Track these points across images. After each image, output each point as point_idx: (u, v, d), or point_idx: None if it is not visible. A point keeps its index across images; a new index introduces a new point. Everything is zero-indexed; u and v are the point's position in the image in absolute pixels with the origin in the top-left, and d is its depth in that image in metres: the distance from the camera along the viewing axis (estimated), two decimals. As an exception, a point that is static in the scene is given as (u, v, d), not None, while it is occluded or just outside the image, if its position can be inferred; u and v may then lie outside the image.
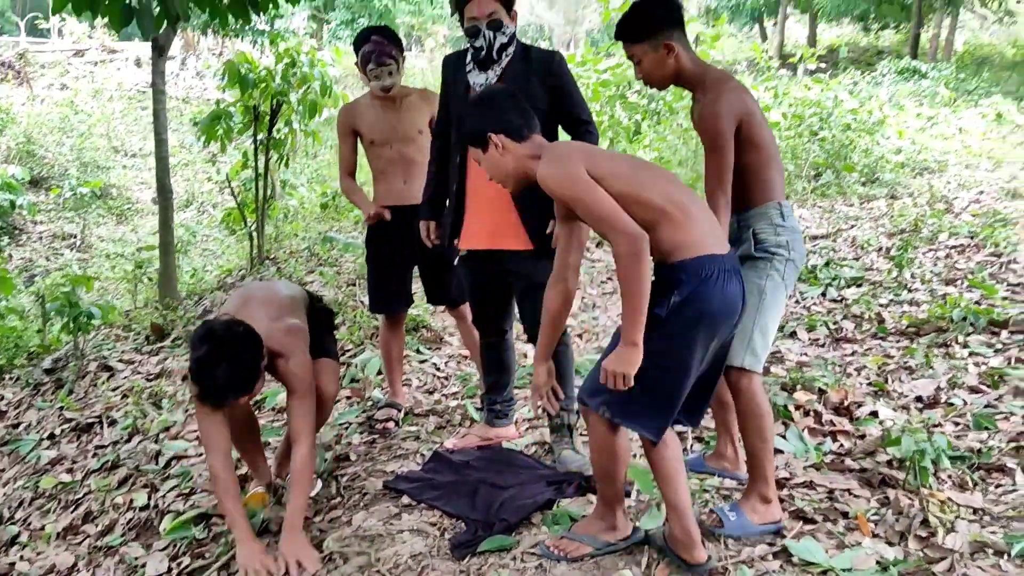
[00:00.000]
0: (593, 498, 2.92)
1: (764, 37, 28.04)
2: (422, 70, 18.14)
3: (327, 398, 3.19)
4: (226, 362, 2.60)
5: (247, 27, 14.98)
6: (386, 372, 3.98)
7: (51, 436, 4.48)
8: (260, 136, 7.01)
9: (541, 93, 3.04)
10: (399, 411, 3.87)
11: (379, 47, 3.56)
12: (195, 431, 4.02)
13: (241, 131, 7.03)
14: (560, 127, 3.17)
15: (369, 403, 4.12)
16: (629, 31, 2.66)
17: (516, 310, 3.39)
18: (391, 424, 3.78)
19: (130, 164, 15.32)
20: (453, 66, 3.23)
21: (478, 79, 3.10)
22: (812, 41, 27.30)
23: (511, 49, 3.09)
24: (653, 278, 2.28)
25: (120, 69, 19.71)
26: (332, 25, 19.99)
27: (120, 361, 5.31)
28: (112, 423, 4.43)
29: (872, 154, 9.86)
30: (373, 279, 3.83)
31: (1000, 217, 7.10)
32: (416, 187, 3.55)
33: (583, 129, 3.13)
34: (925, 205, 7.97)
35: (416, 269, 3.86)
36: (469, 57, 3.14)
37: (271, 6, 4.90)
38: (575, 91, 3.13)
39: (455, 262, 3.37)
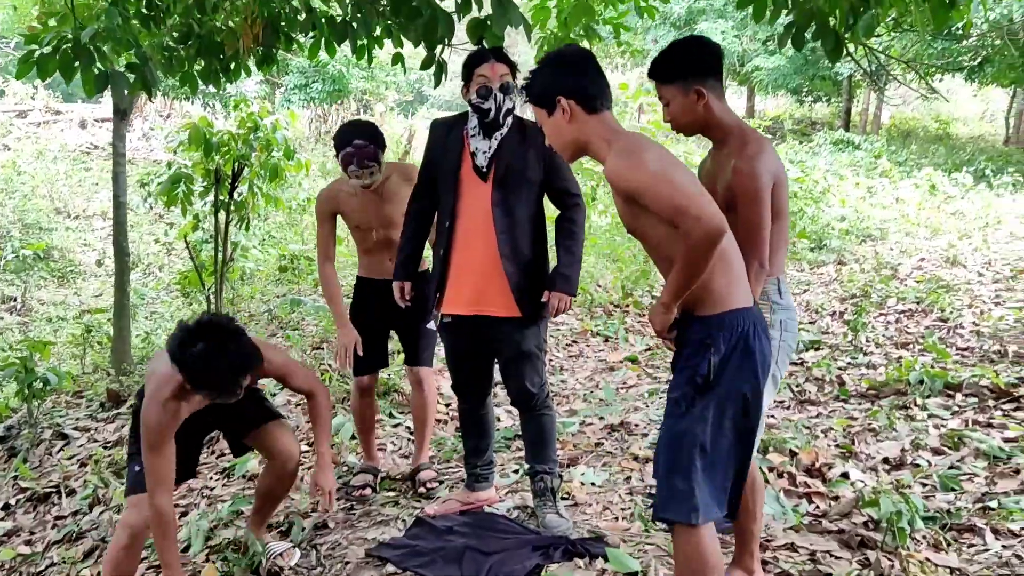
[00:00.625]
0: (581, 562, 2.93)
1: (705, 108, 29.03)
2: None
3: (293, 458, 3.20)
4: (229, 342, 2.63)
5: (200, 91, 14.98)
6: (360, 437, 3.96)
7: (5, 506, 4.32)
8: (221, 198, 6.98)
9: (536, 165, 3.10)
10: (376, 476, 3.84)
11: (360, 151, 3.49)
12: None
13: (202, 194, 6.99)
14: (549, 200, 3.23)
15: (344, 468, 4.07)
16: (661, 71, 2.55)
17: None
18: (367, 490, 3.75)
19: (73, 226, 15.03)
20: (445, 131, 3.22)
21: (481, 145, 3.10)
22: (751, 112, 28.39)
23: (512, 118, 3.13)
24: (686, 332, 2.20)
25: (64, 130, 19.45)
26: (284, 89, 20.10)
27: (75, 429, 5.16)
28: (71, 493, 4.29)
29: (819, 221, 10.23)
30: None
31: (943, 284, 7.41)
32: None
33: (571, 202, 3.19)
34: (872, 271, 8.26)
35: (395, 334, 3.89)
36: (474, 121, 3.13)
37: (242, 72, 4.95)
38: (564, 164, 3.12)
39: (432, 325, 3.40)
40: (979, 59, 17.63)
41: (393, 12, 3.57)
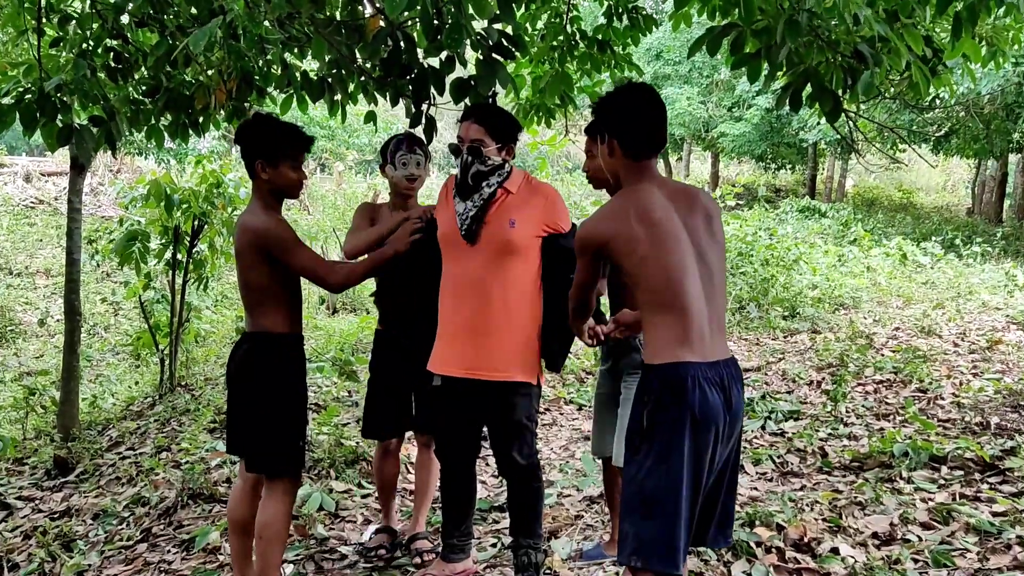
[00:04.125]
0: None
1: (668, 172, 29.63)
2: (332, 192, 18.36)
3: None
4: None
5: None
6: (380, 497, 3.98)
7: (-60, 584, 4.13)
8: (179, 257, 6.92)
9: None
10: (394, 537, 3.87)
11: (411, 137, 3.68)
12: (113, 574, 3.79)
13: (159, 253, 6.92)
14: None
15: (312, 541, 3.98)
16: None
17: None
18: (382, 551, 3.80)
19: (15, 283, 14.75)
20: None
21: (459, 207, 3.14)
22: (715, 178, 29.03)
23: (494, 180, 3.13)
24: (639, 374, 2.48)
25: (7, 184, 19.23)
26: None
27: (19, 498, 4.99)
28: (14, 567, 4.12)
29: (791, 289, 10.39)
30: (372, 405, 3.80)
31: (920, 354, 7.54)
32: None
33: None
34: (847, 340, 8.38)
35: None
36: (456, 181, 3.18)
37: (212, 126, 4.96)
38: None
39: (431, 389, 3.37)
40: (944, 131, 18.30)
41: (384, 69, 3.59)
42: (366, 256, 3.40)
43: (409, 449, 5.00)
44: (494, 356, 3.10)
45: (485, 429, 3.31)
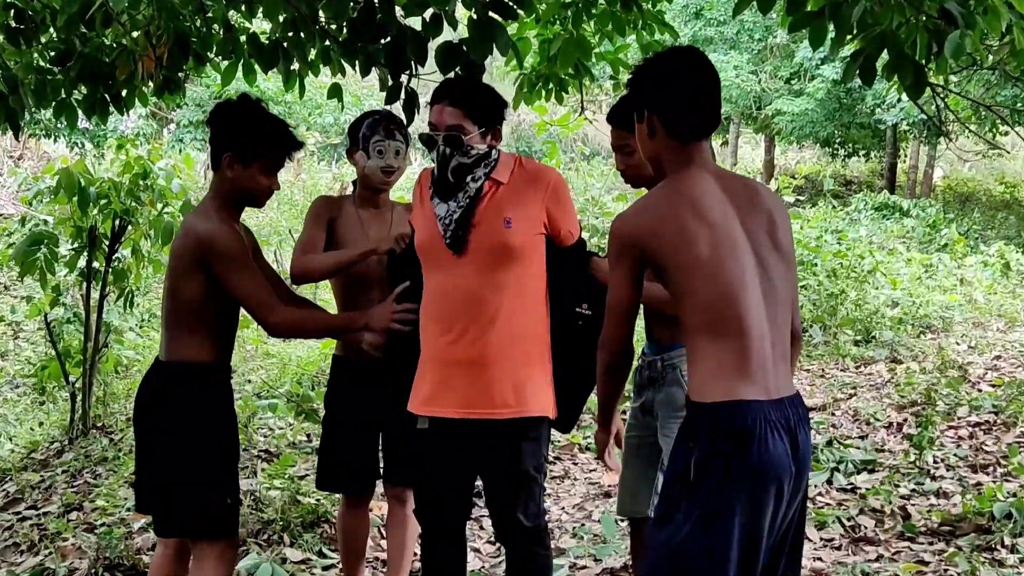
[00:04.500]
0: None
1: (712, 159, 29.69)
2: (289, 184, 18.38)
3: None
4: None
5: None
6: (345, 562, 3.99)
7: None
8: (96, 266, 6.93)
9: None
10: None
11: (389, 118, 3.66)
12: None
13: (71, 261, 6.92)
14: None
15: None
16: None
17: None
18: None
19: None
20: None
21: (439, 210, 3.13)
22: (770, 167, 29.04)
23: (480, 173, 3.13)
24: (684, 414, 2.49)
25: None
26: (176, 126, 20.19)
27: None
28: None
29: (865, 307, 10.39)
30: (330, 449, 3.82)
31: (1026, 389, 7.53)
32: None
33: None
34: (935, 371, 8.38)
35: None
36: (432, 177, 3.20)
37: (137, 101, 4.99)
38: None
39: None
40: (1058, 109, 18.32)
41: (352, 31, 3.61)
42: (321, 317, 3.56)
43: (382, 507, 5.00)
44: (497, 389, 3.10)
45: (479, 481, 3.32)
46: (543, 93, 5.67)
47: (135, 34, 4.32)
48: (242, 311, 3.28)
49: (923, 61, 3.44)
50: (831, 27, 3.43)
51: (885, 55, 3.46)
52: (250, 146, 3.13)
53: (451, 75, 3.57)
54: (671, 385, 3.32)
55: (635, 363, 3.40)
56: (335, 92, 4.47)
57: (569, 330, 3.25)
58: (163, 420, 3.14)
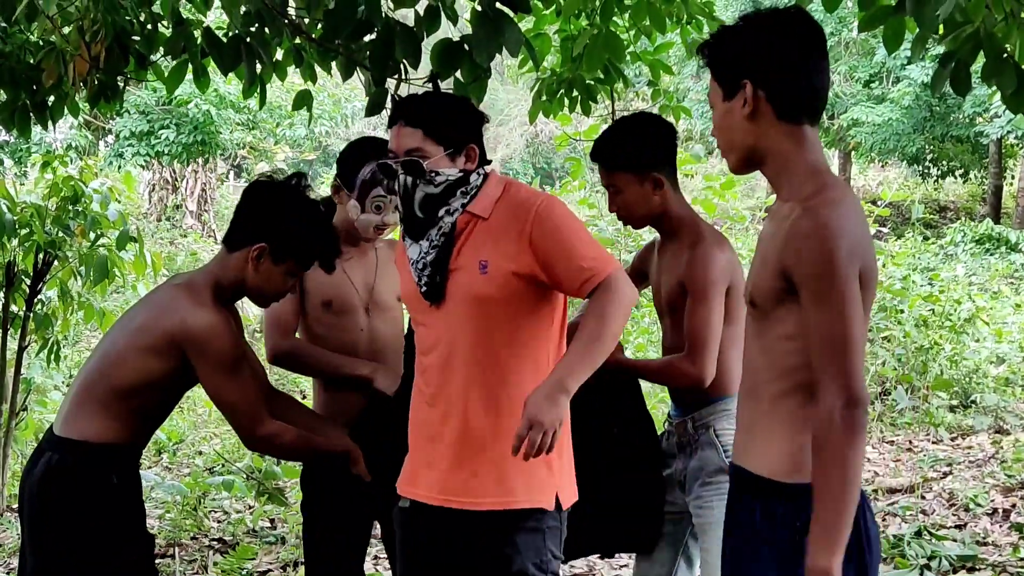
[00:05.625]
0: None
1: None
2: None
3: None
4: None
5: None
6: None
7: None
8: (14, 309, 6.97)
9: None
10: None
11: (388, 172, 3.57)
12: None
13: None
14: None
15: None
16: (612, 156, 3.35)
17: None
18: None
19: None
20: None
21: (412, 252, 3.13)
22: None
23: (456, 204, 3.08)
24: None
25: None
26: (115, 138, 20.20)
27: None
28: None
29: (962, 364, 10.33)
30: (318, 549, 3.82)
31: None
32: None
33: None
34: (1051, 445, 8.34)
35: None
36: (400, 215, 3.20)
37: (68, 111, 5.03)
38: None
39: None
40: None
41: (330, 27, 3.63)
42: (314, 443, 3.55)
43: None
44: (480, 474, 3.06)
45: None
46: (565, 101, 5.65)
47: (66, 30, 4.36)
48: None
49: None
50: (913, 24, 3.42)
51: (982, 57, 3.47)
52: (294, 245, 3.19)
53: (451, 79, 3.61)
54: (705, 448, 3.38)
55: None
56: (302, 101, 4.48)
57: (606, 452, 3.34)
58: (57, 513, 3.11)
